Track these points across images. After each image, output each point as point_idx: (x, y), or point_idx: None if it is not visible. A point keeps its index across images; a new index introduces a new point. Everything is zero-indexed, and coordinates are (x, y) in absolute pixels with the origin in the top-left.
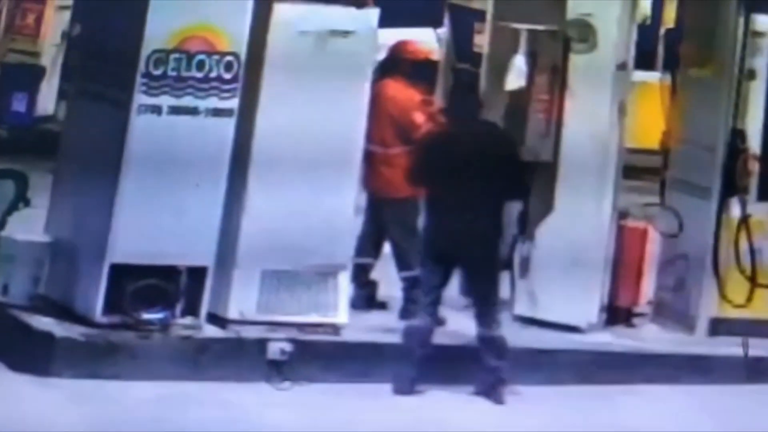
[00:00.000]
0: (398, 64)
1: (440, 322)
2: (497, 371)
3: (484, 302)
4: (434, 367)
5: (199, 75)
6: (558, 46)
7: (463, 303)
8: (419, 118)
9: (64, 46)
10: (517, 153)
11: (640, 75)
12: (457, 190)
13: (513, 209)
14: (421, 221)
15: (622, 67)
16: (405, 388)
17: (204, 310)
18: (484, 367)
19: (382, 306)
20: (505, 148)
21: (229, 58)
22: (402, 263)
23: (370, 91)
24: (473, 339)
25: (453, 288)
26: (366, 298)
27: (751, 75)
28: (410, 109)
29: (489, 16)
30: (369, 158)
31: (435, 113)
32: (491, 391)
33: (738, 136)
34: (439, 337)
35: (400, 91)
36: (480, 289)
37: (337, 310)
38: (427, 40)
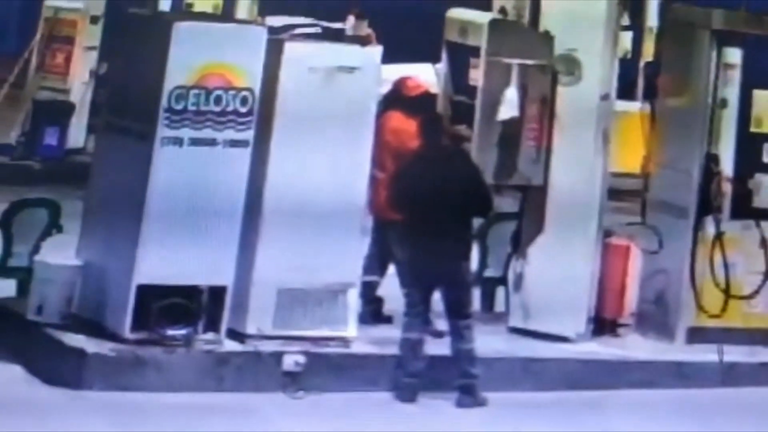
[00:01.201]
0: (400, 98)
1: (439, 334)
2: (475, 378)
3: (456, 316)
4: (437, 376)
5: (217, 109)
6: (547, 79)
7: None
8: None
9: (92, 83)
10: (478, 173)
11: (621, 105)
12: (425, 212)
13: (507, 231)
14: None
15: (605, 97)
16: (407, 396)
17: (224, 326)
18: (463, 376)
19: (388, 320)
20: (468, 170)
21: (244, 93)
22: None
23: (375, 122)
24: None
25: None
26: (373, 313)
27: (723, 104)
28: (409, 139)
29: (483, 52)
30: (374, 183)
31: None
32: (472, 397)
33: (712, 160)
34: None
35: (400, 122)
36: (452, 305)
37: (346, 325)
38: (426, 75)
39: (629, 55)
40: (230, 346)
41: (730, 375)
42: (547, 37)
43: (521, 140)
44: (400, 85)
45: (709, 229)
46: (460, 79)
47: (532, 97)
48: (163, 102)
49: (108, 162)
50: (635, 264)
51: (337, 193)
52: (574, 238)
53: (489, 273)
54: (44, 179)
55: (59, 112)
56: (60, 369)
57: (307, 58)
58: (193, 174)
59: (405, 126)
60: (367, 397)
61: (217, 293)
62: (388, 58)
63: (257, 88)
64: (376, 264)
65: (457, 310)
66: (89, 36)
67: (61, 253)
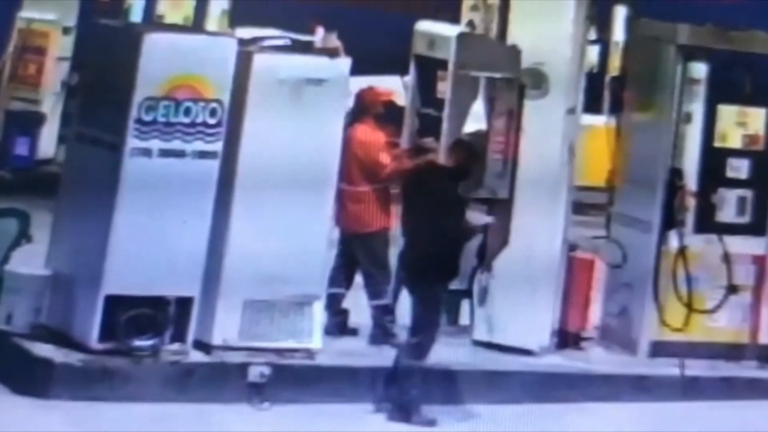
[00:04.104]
0: (365, 109)
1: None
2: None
3: (413, 332)
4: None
5: (187, 120)
6: (514, 93)
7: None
8: (384, 158)
9: (63, 94)
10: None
11: (587, 119)
12: (408, 220)
13: (472, 244)
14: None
15: (571, 111)
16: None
17: (190, 337)
18: (406, 393)
19: (353, 332)
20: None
21: (213, 104)
22: (372, 293)
23: (342, 135)
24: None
25: None
26: (338, 325)
27: (688, 118)
28: (376, 151)
29: (451, 65)
30: (340, 196)
31: (400, 154)
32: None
33: (676, 174)
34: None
35: (367, 134)
36: (413, 319)
37: (311, 337)
38: (394, 86)
39: (596, 69)
40: (196, 357)
41: (692, 389)
42: (515, 51)
43: (487, 153)
44: (364, 95)
45: (673, 243)
46: (428, 92)
47: (498, 111)
48: (133, 113)
49: (78, 172)
50: (599, 278)
51: (303, 205)
52: (538, 251)
53: (454, 286)
54: (14, 189)
55: (30, 123)
56: (28, 379)
57: (276, 70)
58: (161, 185)
59: (373, 137)
60: (332, 408)
61: (183, 304)
62: (356, 70)
63: (226, 99)
64: (341, 276)
65: (414, 326)
66: (61, 47)
67: (30, 263)
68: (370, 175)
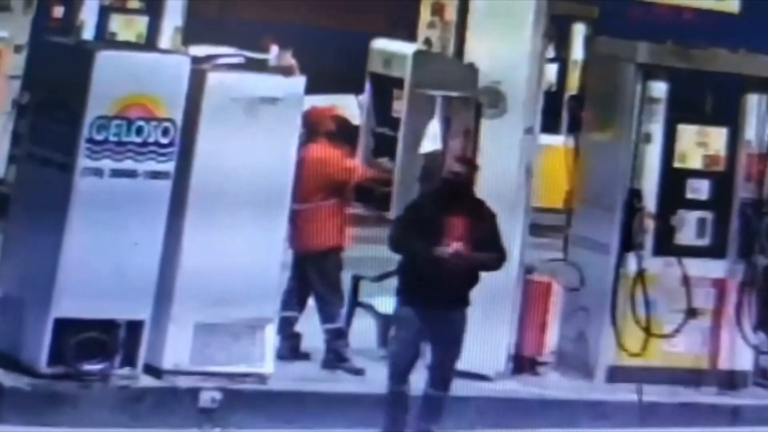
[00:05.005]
0: (314, 128)
1: (358, 372)
2: None
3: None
4: None
5: (139, 140)
6: (470, 112)
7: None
8: (351, 163)
9: (13, 113)
10: None
11: (545, 138)
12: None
13: None
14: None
15: (529, 131)
16: None
17: (141, 361)
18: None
19: (306, 357)
20: None
21: (166, 124)
22: (325, 316)
23: (296, 154)
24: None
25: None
26: (291, 349)
27: (647, 138)
28: (340, 161)
29: (407, 84)
30: (293, 216)
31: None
32: None
33: (635, 195)
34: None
35: (324, 150)
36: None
37: (263, 361)
38: (348, 105)
39: (554, 88)
40: (147, 381)
41: (650, 415)
42: (472, 69)
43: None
44: (310, 115)
45: (631, 266)
46: (384, 110)
47: (455, 130)
48: (85, 132)
49: (28, 193)
50: (556, 301)
51: (257, 226)
52: (494, 274)
53: None
54: None
55: None
56: None
57: (229, 89)
58: (113, 206)
59: (331, 153)
60: None
61: (134, 327)
62: (311, 88)
63: (179, 118)
64: (294, 299)
65: None
66: (12, 65)
67: None
68: (334, 188)
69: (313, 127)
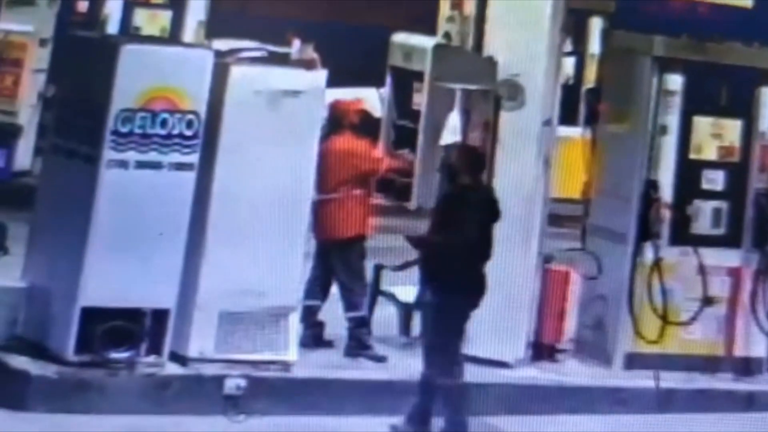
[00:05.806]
0: (339, 121)
1: (380, 359)
2: None
3: None
4: None
5: (163, 132)
6: (489, 104)
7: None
8: (377, 154)
9: (39, 106)
10: None
11: (563, 130)
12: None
13: None
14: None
15: (547, 123)
16: None
17: (166, 349)
18: None
19: (329, 344)
20: None
21: (190, 116)
22: (348, 304)
23: (318, 147)
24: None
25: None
26: (314, 337)
27: (663, 130)
28: (367, 152)
29: (427, 77)
30: (317, 205)
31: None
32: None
33: (651, 186)
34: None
35: (351, 143)
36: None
37: (287, 349)
38: (370, 98)
39: (571, 81)
40: (172, 369)
41: (667, 401)
42: (491, 63)
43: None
44: (336, 108)
45: (648, 255)
46: (404, 103)
47: (474, 122)
48: (110, 125)
49: (54, 184)
50: (575, 290)
51: (280, 216)
52: (514, 263)
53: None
54: None
55: (7, 135)
56: (4, 391)
57: (252, 82)
58: (138, 197)
59: (357, 144)
60: (307, 421)
61: (160, 316)
62: (332, 82)
63: (203, 111)
64: (317, 288)
65: None
66: (38, 59)
67: (6, 275)
68: (362, 178)
69: (338, 119)
